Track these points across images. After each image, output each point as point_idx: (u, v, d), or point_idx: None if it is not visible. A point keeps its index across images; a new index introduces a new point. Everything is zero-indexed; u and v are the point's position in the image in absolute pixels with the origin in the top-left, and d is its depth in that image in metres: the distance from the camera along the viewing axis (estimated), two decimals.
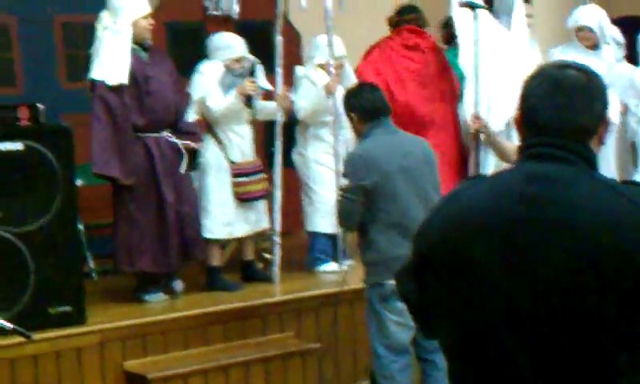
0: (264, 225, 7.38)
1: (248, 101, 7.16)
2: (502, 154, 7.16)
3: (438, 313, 2.46)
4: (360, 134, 5.91)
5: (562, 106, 2.39)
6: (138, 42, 6.82)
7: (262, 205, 7.33)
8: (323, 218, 7.53)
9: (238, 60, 7.22)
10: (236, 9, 8.94)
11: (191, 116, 7.04)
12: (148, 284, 6.91)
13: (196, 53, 7.64)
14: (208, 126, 7.20)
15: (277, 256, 7.32)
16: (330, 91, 7.36)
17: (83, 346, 6.06)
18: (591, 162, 2.39)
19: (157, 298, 6.86)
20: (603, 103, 2.43)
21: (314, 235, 7.69)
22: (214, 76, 7.11)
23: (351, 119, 5.96)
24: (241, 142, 7.22)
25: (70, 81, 8.56)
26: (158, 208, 6.76)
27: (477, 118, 7.38)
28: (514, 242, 2.30)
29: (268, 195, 7.33)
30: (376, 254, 5.70)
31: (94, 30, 6.80)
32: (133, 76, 6.70)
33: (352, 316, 6.75)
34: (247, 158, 7.24)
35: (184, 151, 6.89)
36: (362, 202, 5.62)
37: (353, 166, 5.70)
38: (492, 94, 7.42)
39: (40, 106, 6.11)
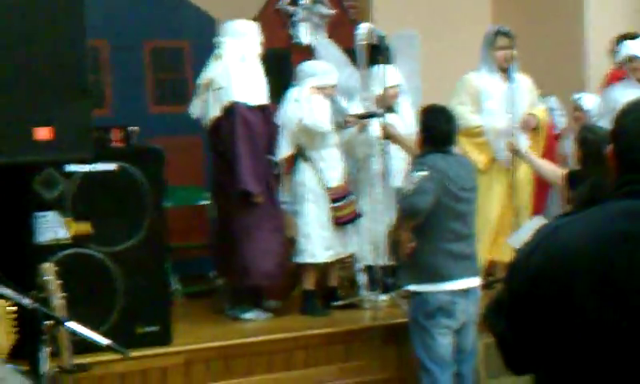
0: (351, 249, 7.42)
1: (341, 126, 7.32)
2: (540, 172, 7.19)
3: (534, 349, 2.42)
4: (420, 149, 6.28)
5: None
6: None
7: (350, 228, 7.38)
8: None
9: (333, 87, 7.33)
10: (322, 37, 8.99)
11: (280, 153, 7.23)
12: (245, 302, 7.07)
13: (281, 80, 7.72)
14: (302, 152, 7.29)
15: (363, 281, 7.35)
16: (359, 128, 7.40)
17: (168, 365, 6.13)
18: None
19: (256, 316, 7.05)
20: None
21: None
22: (312, 103, 7.21)
23: (418, 136, 6.28)
24: (334, 166, 7.30)
25: (156, 104, 8.69)
26: (273, 225, 7.04)
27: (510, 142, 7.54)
28: (619, 283, 2.26)
29: (360, 217, 7.36)
30: (427, 258, 6.00)
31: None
32: None
33: None
34: (339, 181, 7.30)
35: (283, 176, 7.25)
36: (435, 195, 5.89)
37: (430, 165, 5.98)
38: None
39: (132, 128, 6.21)
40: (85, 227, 5.98)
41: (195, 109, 7.24)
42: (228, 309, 7.12)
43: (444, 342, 6.07)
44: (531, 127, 7.78)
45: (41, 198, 5.86)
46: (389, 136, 7.17)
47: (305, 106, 7.18)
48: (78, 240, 5.95)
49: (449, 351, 6.12)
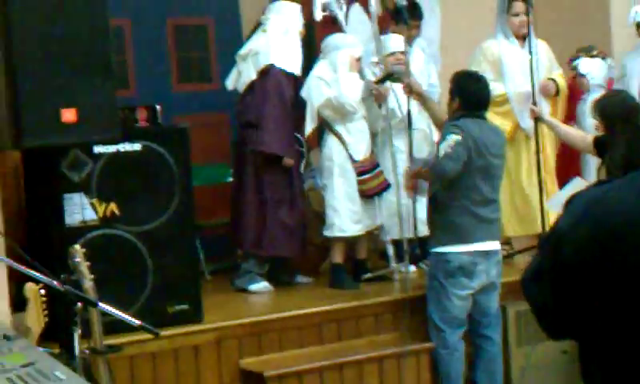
0: (379, 220, 7.41)
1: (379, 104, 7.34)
2: (566, 139, 7.14)
3: (581, 318, 2.39)
4: (450, 115, 6.38)
5: None
6: None
7: (376, 199, 7.38)
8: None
9: (358, 59, 7.32)
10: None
11: (307, 128, 7.23)
12: (253, 273, 7.16)
13: (306, 54, 7.70)
14: (328, 126, 7.29)
15: (391, 253, 7.34)
16: (378, 100, 7.33)
17: (200, 343, 6.14)
18: None
19: (262, 288, 7.10)
20: None
21: None
22: (338, 77, 7.20)
23: (452, 101, 6.36)
24: (360, 139, 7.28)
25: (181, 82, 8.69)
26: (290, 198, 7.18)
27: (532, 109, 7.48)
28: None
29: (389, 187, 7.34)
30: (443, 218, 6.23)
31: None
32: None
33: None
34: (366, 154, 7.29)
35: (305, 152, 7.31)
36: (464, 161, 6.09)
37: (463, 128, 6.14)
38: None
39: (158, 107, 6.20)
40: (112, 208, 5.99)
41: (230, 81, 7.35)
42: (236, 280, 7.20)
43: (460, 304, 6.27)
44: (551, 93, 7.73)
45: (68, 179, 5.86)
46: (413, 92, 7.05)
47: (337, 83, 7.16)
48: (106, 221, 5.95)
49: (463, 312, 6.31)
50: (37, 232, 6.09)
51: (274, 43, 7.09)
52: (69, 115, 5.16)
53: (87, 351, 4.45)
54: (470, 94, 6.29)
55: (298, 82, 7.28)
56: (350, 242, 7.39)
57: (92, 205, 5.91)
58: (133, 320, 4.19)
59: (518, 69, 7.58)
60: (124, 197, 6.01)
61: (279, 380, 6.09)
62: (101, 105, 5.28)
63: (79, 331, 4.19)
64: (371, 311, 6.68)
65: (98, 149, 5.92)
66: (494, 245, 6.33)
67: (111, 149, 5.94)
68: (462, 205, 6.19)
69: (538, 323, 2.54)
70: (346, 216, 7.19)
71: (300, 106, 7.28)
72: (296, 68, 7.17)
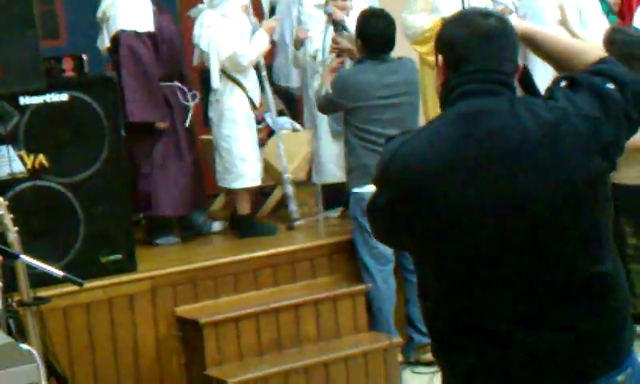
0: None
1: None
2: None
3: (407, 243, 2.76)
4: (356, 57, 6.46)
5: (492, 56, 2.59)
6: None
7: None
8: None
9: (247, 6, 7.18)
10: None
11: (215, 81, 7.02)
12: (161, 228, 7.08)
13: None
14: (226, 74, 7.05)
15: (320, 199, 7.37)
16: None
17: (135, 292, 6.13)
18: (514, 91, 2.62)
19: (169, 242, 7.05)
20: (517, 49, 2.66)
21: None
22: (235, 26, 7.05)
23: (356, 43, 6.40)
24: (257, 87, 7.20)
25: None
26: (176, 154, 6.95)
27: None
28: (463, 183, 2.48)
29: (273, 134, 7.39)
30: (355, 160, 6.34)
31: None
32: None
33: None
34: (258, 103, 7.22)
35: (191, 103, 7.03)
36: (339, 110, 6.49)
37: (335, 85, 6.35)
38: None
39: (84, 56, 6.14)
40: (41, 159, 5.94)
41: (100, 45, 7.19)
42: (146, 234, 7.17)
43: None
44: None
45: None
46: (342, 49, 6.83)
47: (233, 36, 7.02)
48: (35, 173, 5.91)
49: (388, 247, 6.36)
50: None
51: (121, 6, 6.79)
52: None
53: (14, 304, 4.44)
54: (370, 34, 6.28)
55: (168, 35, 7.03)
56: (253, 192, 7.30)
57: (20, 157, 5.87)
58: (56, 271, 4.19)
59: (450, 5, 7.54)
60: (53, 148, 5.97)
61: (215, 326, 6.10)
62: (24, 56, 5.25)
63: (1, 284, 4.17)
64: (306, 255, 6.69)
65: (24, 100, 5.86)
66: None
67: (38, 100, 5.89)
68: (368, 147, 6.26)
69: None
70: (254, 165, 7.08)
71: (179, 58, 7.14)
72: (148, 25, 6.82)
